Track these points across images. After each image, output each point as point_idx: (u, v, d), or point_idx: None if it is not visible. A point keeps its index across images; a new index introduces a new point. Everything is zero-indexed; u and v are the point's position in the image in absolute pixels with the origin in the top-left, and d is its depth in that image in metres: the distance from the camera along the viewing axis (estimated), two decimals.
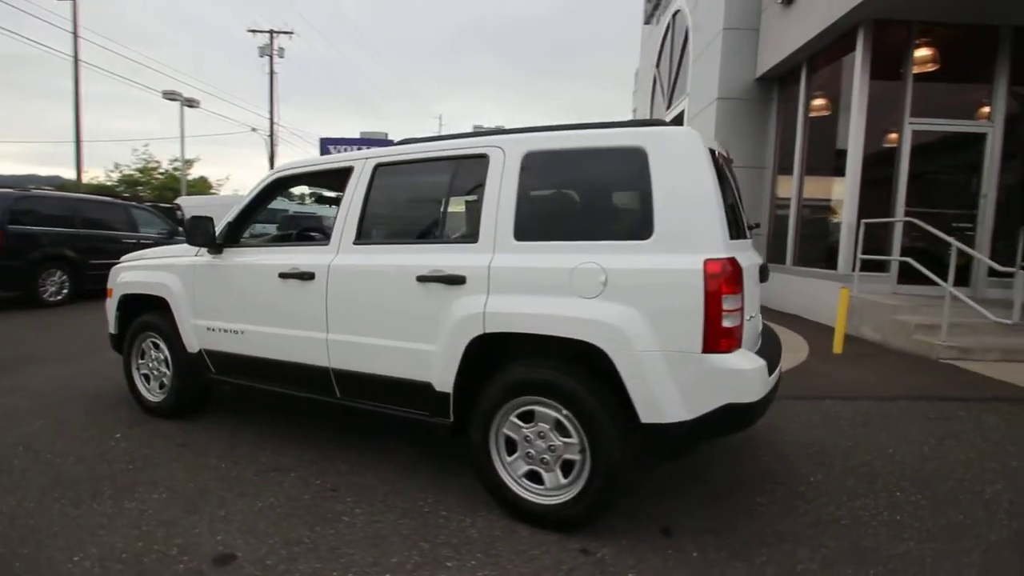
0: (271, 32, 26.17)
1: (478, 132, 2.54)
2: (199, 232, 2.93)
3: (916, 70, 6.60)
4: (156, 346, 3.39)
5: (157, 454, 2.87)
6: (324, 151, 39.30)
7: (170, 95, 20.73)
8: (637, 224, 2.06)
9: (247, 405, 3.68)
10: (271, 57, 26.07)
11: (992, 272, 5.80)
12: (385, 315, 2.48)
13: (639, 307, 1.97)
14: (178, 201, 16.16)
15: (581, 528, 2.16)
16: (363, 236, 2.60)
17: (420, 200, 2.71)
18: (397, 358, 2.46)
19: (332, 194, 3.74)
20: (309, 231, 3.90)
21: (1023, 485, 2.69)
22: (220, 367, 3.11)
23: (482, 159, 2.38)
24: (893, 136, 6.87)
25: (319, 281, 2.64)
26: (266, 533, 2.15)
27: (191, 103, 21.39)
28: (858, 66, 6.63)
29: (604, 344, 1.99)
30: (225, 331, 3.01)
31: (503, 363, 2.28)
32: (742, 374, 1.92)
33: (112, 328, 3.60)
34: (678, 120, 11.74)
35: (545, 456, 2.19)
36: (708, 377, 1.93)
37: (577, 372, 2.11)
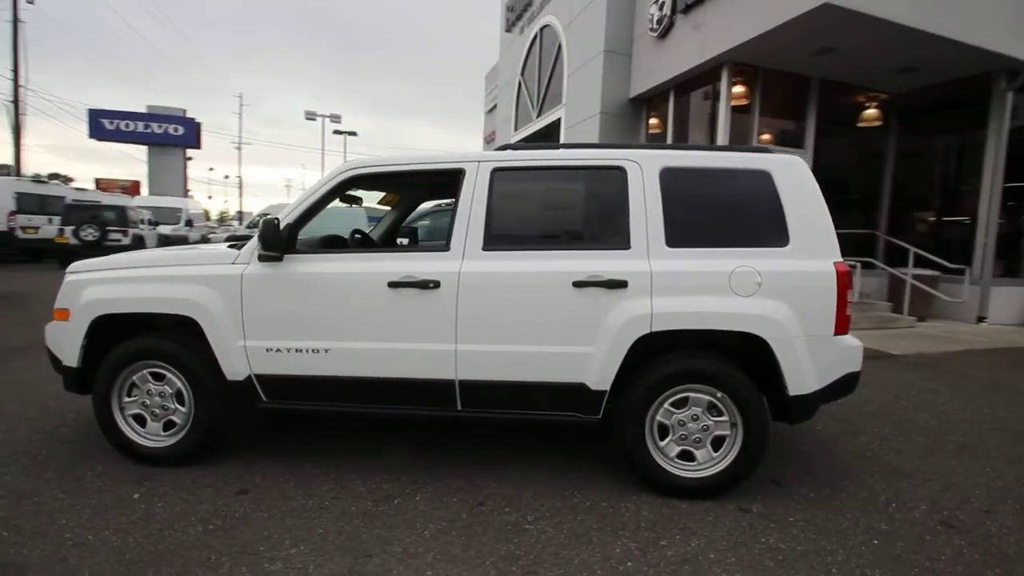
0: None
1: (604, 144, 2.70)
2: (272, 236, 2.48)
3: (760, 105, 8.42)
4: (158, 378, 2.72)
5: (226, 507, 2.38)
6: (96, 125, 32.07)
7: None
8: (775, 234, 2.49)
9: (238, 433, 3.17)
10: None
11: None
12: (534, 321, 2.49)
13: (787, 302, 2.42)
14: None
15: (727, 493, 2.53)
16: (492, 242, 2.55)
17: (553, 207, 2.74)
18: (548, 363, 2.50)
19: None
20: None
21: (941, 414, 3.91)
22: (278, 393, 2.67)
23: (619, 171, 2.56)
24: None
25: (446, 290, 2.50)
26: (471, 557, 2.05)
27: None
28: (723, 98, 8.18)
29: (765, 334, 2.39)
30: (297, 351, 2.60)
31: (648, 359, 2.52)
32: (856, 349, 2.51)
33: (74, 360, 2.74)
34: (554, 128, 12.72)
35: (698, 436, 2.51)
36: (836, 353, 2.47)
37: (726, 360, 2.48)
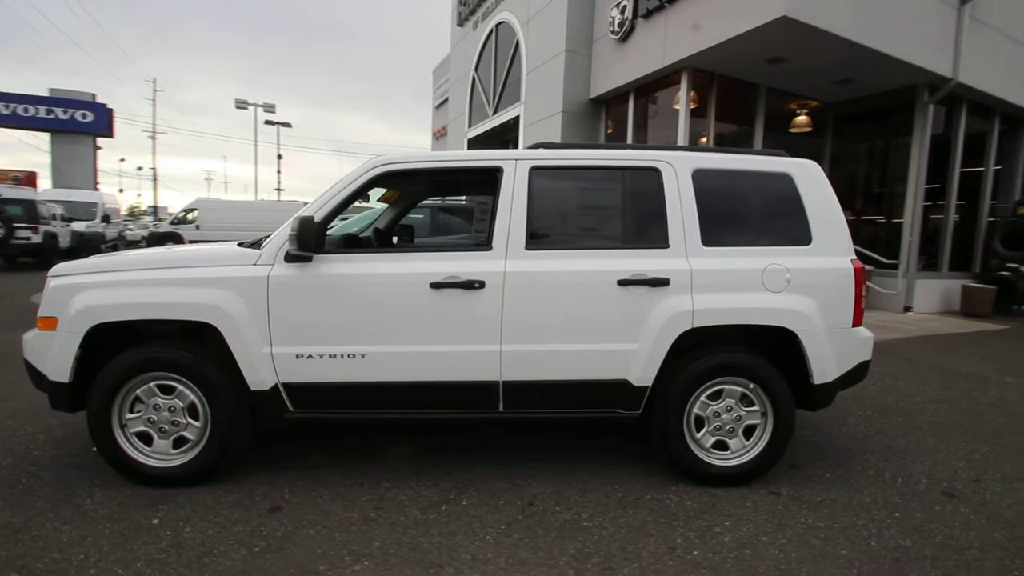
0: None
1: (632, 145, 2.75)
2: (310, 235, 2.33)
3: (716, 109, 8.87)
4: (166, 391, 2.49)
5: (263, 526, 2.23)
6: None
7: None
8: (799, 233, 2.65)
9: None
10: None
11: None
12: (580, 320, 2.51)
13: (813, 297, 2.59)
14: None
15: (759, 478, 2.68)
16: (535, 241, 2.54)
17: (591, 206, 2.75)
18: (591, 361, 2.53)
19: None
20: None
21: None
22: (309, 402, 2.53)
23: (654, 172, 2.63)
24: None
25: (491, 290, 2.46)
26: (543, 559, 2.04)
27: None
28: (683, 103, 8.54)
29: (796, 327, 2.55)
30: (331, 357, 2.47)
31: (683, 355, 2.61)
32: (869, 340, 2.73)
33: (65, 375, 2.44)
34: (510, 126, 12.75)
35: (731, 426, 2.63)
36: (853, 344, 2.68)
37: (756, 353, 2.62)
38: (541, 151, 2.67)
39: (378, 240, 3.80)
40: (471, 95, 15.20)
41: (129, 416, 2.50)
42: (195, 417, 2.52)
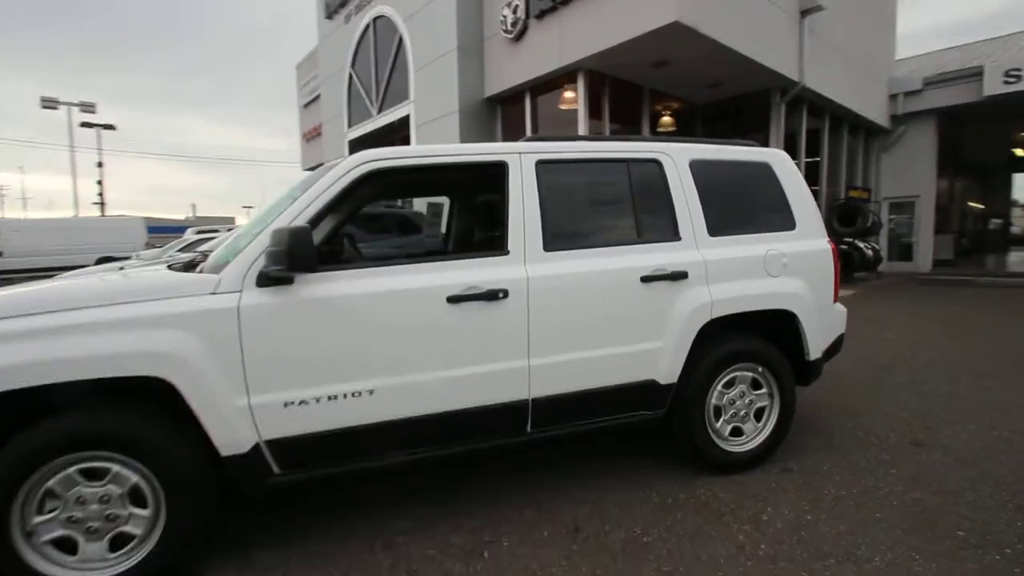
0: None
1: (625, 137, 2.66)
2: (306, 250, 1.85)
3: (609, 110, 9.30)
4: (94, 475, 1.84)
5: None
6: None
7: None
8: (784, 218, 2.78)
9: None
10: None
11: None
12: (608, 322, 2.35)
13: (804, 278, 2.72)
14: None
15: (767, 460, 2.76)
16: (552, 241, 2.32)
17: (600, 200, 2.56)
18: (622, 364, 2.39)
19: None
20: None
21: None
22: (301, 458, 2.04)
23: (655, 164, 2.58)
24: None
25: (515, 298, 2.20)
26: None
27: None
28: (581, 103, 8.82)
29: (795, 308, 2.66)
30: (331, 398, 2.01)
31: (699, 347, 2.59)
32: (844, 314, 2.96)
33: None
34: (396, 126, 12.16)
35: (745, 411, 2.68)
36: (834, 319, 2.89)
37: (758, 337, 2.70)
38: (540, 144, 2.45)
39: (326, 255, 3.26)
40: (349, 93, 14.23)
41: (38, 520, 1.79)
42: (141, 504, 1.89)
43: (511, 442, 2.33)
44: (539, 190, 2.34)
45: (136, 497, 1.88)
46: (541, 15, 8.79)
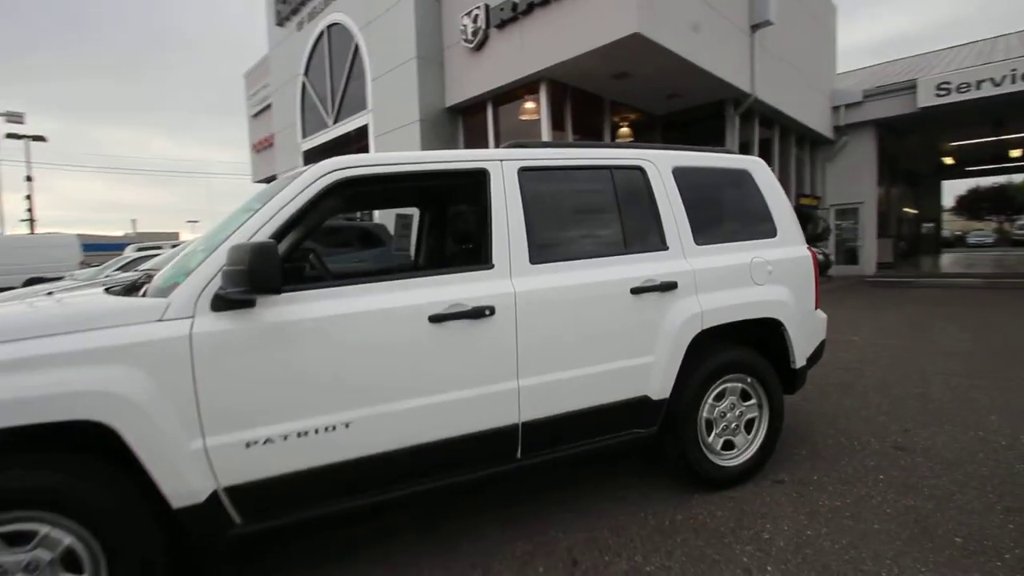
0: None
1: (606, 144, 2.56)
2: (272, 268, 1.64)
3: (572, 120, 9.32)
4: (14, 540, 1.56)
5: None
6: None
7: None
8: (767, 226, 2.75)
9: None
10: None
11: None
12: (599, 337, 2.23)
13: (787, 286, 2.69)
14: None
15: (758, 473, 2.69)
16: (538, 253, 2.19)
17: (584, 209, 2.44)
18: (615, 381, 2.27)
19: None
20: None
21: None
22: (266, 504, 1.81)
23: (639, 172, 2.49)
24: None
25: (502, 315, 2.04)
26: None
27: None
28: (544, 113, 8.81)
29: (781, 316, 2.62)
30: (301, 435, 1.79)
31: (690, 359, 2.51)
32: (824, 320, 2.95)
33: None
34: (358, 135, 11.82)
35: (735, 423, 2.61)
36: (816, 325, 2.87)
37: (747, 347, 2.64)
38: (521, 151, 2.32)
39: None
40: (303, 103, 13.78)
41: None
42: (76, 570, 1.61)
43: (503, 470, 2.16)
44: (523, 199, 2.21)
45: (70, 563, 1.60)
46: (502, 25, 8.75)
